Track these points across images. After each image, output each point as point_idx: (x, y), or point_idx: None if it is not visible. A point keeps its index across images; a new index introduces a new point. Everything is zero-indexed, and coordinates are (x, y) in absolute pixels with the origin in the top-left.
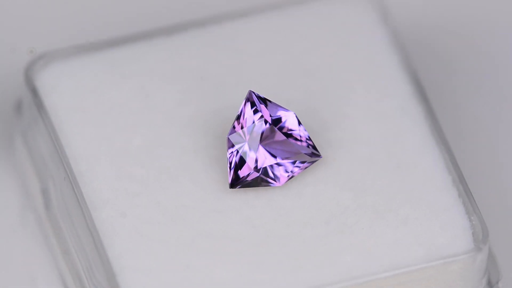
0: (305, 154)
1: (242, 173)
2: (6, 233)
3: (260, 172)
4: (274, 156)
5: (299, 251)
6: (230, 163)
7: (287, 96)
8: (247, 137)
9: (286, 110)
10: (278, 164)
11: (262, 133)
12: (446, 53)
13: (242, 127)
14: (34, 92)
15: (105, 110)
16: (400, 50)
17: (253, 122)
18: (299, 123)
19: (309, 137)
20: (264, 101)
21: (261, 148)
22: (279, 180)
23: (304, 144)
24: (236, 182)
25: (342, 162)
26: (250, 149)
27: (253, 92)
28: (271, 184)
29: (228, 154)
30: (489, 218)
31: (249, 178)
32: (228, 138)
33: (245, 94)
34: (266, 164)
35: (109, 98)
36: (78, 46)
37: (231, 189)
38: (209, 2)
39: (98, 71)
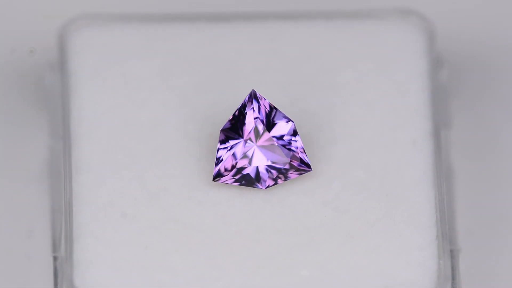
0: (294, 164)
1: (226, 167)
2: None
3: (246, 172)
4: (265, 159)
5: (259, 256)
6: (218, 158)
7: (303, 105)
8: (245, 135)
9: (287, 119)
10: (268, 169)
11: (256, 134)
12: (489, 84)
13: (237, 124)
14: (62, 52)
15: (122, 82)
16: (435, 81)
17: (252, 122)
18: (296, 134)
19: (303, 149)
20: (270, 106)
21: (256, 149)
22: (264, 184)
23: (297, 155)
24: (220, 176)
25: (333, 180)
26: (244, 146)
27: (256, 93)
28: (255, 186)
29: (218, 147)
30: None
31: (233, 175)
32: (221, 132)
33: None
34: (256, 165)
35: (129, 71)
36: (113, 14)
37: (215, 182)
38: None
39: (127, 43)
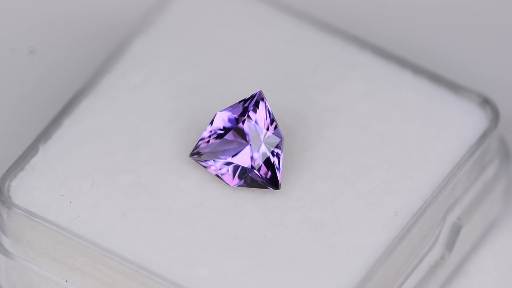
0: (259, 174)
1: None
2: None
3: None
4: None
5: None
6: (205, 138)
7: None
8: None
9: (279, 134)
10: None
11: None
12: None
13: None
14: None
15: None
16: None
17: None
18: (280, 152)
19: (278, 167)
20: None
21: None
22: (230, 181)
23: (263, 172)
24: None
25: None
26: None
27: (263, 95)
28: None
29: (208, 127)
30: None
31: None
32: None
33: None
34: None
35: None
36: None
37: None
38: None
39: None
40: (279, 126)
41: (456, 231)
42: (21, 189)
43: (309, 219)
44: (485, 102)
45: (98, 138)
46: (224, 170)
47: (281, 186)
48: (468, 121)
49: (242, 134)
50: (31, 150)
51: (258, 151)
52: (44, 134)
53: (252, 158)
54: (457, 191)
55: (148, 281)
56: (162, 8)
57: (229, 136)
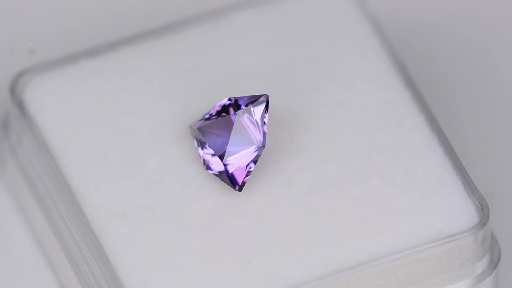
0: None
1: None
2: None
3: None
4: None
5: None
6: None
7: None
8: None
9: (262, 142)
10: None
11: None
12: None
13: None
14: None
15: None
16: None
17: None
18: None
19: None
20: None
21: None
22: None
23: (231, 169)
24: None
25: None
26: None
27: (267, 99)
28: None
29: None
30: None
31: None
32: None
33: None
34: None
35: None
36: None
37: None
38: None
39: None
40: (267, 136)
41: None
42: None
43: (248, 231)
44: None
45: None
46: (208, 157)
47: (247, 190)
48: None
49: (229, 125)
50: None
51: (234, 147)
52: None
53: (225, 150)
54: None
55: None
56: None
57: (218, 122)
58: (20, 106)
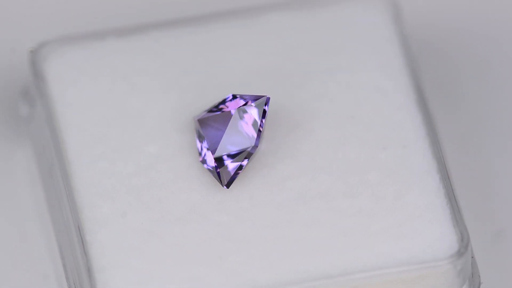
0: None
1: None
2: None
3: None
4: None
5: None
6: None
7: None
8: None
9: (255, 142)
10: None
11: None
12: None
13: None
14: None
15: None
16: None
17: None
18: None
19: (237, 171)
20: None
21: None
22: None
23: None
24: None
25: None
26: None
27: (267, 101)
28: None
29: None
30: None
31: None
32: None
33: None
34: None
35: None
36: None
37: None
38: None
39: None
40: (269, 138)
41: None
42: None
43: (228, 228)
44: None
45: None
46: (204, 150)
47: (236, 189)
48: None
49: (226, 120)
50: None
51: (227, 144)
52: None
53: (218, 146)
54: None
55: None
56: None
57: (217, 116)
58: (38, 75)
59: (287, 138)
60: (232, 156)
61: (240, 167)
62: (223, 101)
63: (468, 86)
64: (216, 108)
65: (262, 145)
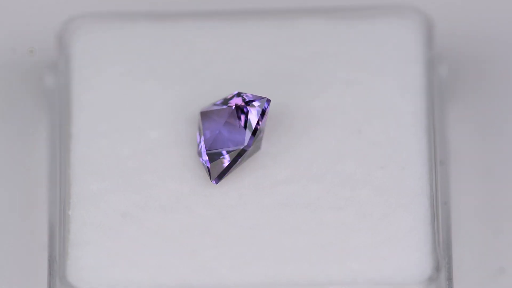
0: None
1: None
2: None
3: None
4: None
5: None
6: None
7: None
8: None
9: (249, 143)
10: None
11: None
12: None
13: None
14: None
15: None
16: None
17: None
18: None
19: (227, 167)
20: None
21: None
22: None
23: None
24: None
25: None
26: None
27: (268, 104)
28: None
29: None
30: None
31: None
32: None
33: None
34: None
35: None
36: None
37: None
38: None
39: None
40: (270, 140)
41: None
42: None
43: (208, 223)
44: None
45: None
46: (202, 143)
47: (226, 186)
48: None
49: (225, 115)
50: None
51: (221, 140)
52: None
53: (212, 141)
54: None
55: None
56: None
57: (218, 111)
58: (63, 48)
59: (289, 143)
60: (222, 153)
61: (231, 165)
62: (229, 98)
63: (501, 116)
64: (221, 103)
65: (263, 146)
